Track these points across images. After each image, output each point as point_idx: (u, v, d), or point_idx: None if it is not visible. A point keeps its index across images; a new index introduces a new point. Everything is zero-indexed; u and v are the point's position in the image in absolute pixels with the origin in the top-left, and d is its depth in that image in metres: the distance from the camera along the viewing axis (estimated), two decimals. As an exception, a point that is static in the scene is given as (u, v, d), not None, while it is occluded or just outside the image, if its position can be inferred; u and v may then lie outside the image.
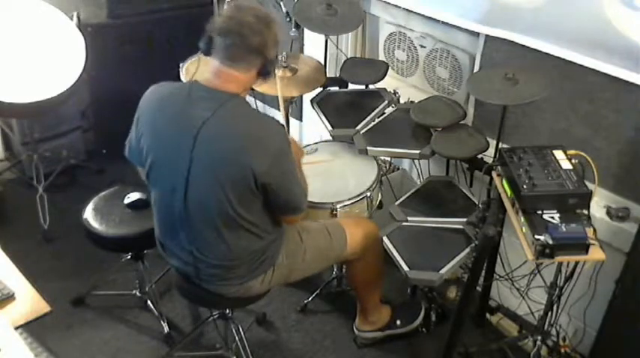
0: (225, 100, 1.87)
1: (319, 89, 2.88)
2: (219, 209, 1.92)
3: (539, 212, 1.97)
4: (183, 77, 2.92)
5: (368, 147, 2.58)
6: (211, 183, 1.89)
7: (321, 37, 2.98)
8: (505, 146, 2.30)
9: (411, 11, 2.78)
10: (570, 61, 2.25)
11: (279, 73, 2.77)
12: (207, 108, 1.87)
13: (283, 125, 1.99)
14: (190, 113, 1.89)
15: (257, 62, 1.89)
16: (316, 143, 2.85)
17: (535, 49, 2.33)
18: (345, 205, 2.48)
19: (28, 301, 1.86)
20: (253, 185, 1.88)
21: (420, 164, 2.92)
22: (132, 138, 2.04)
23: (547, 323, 2.37)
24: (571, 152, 2.14)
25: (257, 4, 1.94)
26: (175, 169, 1.93)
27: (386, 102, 2.80)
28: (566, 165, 2.08)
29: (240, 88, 1.91)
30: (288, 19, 3.01)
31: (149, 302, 2.82)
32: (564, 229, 1.91)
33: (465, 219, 2.44)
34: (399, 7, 2.83)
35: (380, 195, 2.65)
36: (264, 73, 1.93)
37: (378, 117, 2.76)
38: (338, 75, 2.91)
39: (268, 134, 1.90)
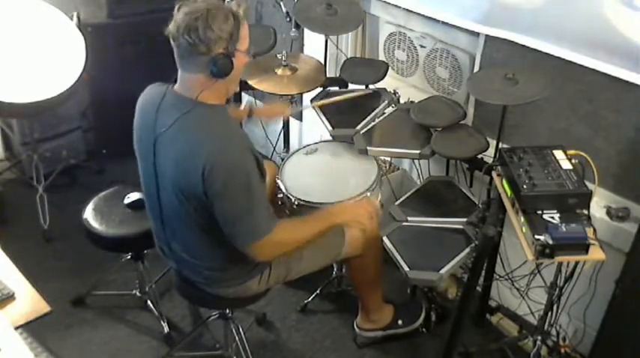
0: (188, 110, 1.80)
1: (319, 89, 2.88)
2: (195, 215, 1.88)
3: (539, 212, 1.97)
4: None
5: (368, 147, 2.58)
6: (176, 192, 1.85)
7: (321, 37, 2.97)
8: (505, 146, 2.30)
9: (411, 11, 2.78)
10: (570, 61, 2.24)
11: (280, 71, 2.78)
12: (171, 117, 1.82)
13: (248, 146, 1.83)
14: (156, 122, 1.85)
15: (202, 61, 1.75)
16: (316, 143, 2.85)
17: (535, 49, 2.33)
18: (345, 205, 2.48)
19: (28, 301, 1.86)
20: (205, 200, 1.80)
21: (420, 164, 2.92)
22: None
23: (547, 323, 2.37)
24: (571, 152, 2.14)
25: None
26: (149, 179, 1.93)
27: (386, 102, 2.80)
28: (566, 165, 2.08)
29: (196, 91, 1.79)
30: (288, 19, 3.01)
31: (149, 302, 2.82)
32: (564, 229, 1.91)
33: (465, 219, 2.44)
34: (399, 7, 2.82)
35: (380, 195, 2.65)
36: (213, 73, 1.76)
37: (378, 117, 2.75)
38: (338, 75, 2.91)
39: (226, 149, 1.78)
